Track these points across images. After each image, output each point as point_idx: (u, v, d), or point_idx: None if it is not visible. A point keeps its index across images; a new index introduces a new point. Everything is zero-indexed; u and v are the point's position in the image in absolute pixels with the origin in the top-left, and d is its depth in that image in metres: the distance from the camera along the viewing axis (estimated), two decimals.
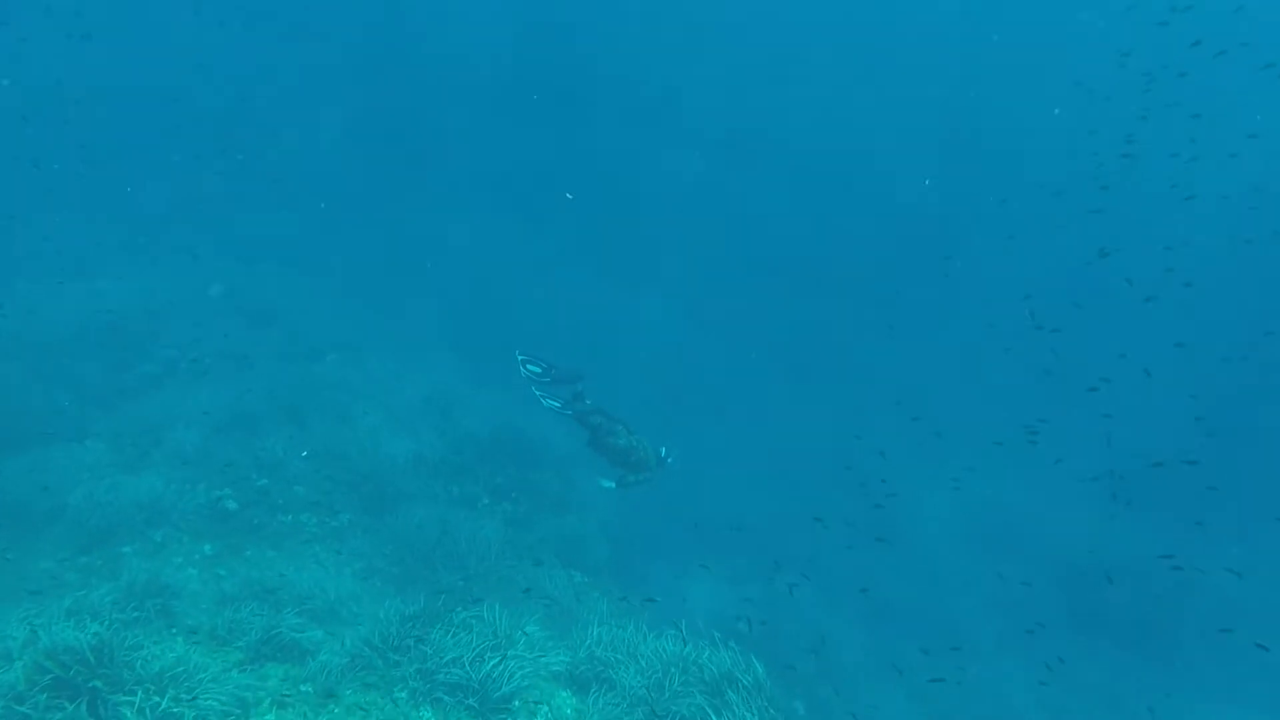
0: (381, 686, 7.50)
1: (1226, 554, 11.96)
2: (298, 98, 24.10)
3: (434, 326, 16.22)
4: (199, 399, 12.39)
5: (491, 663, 7.56)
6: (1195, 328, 17.06)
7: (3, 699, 6.07)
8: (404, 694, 7.41)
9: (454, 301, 17.16)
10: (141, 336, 13.84)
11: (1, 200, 15.95)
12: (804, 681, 10.52)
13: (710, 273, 20.55)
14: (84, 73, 20.99)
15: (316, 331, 15.11)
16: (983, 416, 15.77)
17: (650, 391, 14.87)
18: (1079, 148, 16.79)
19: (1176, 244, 15.66)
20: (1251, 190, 16.77)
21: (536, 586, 10.33)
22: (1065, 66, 25.83)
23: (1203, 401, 13.20)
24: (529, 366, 9.81)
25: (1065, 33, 27.58)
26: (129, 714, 6.12)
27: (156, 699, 6.32)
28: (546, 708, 7.61)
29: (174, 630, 7.84)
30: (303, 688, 7.33)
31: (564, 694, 7.94)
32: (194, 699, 6.49)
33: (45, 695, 6.13)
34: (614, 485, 9.22)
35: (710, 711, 7.71)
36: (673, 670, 8.22)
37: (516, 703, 7.48)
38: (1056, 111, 22.33)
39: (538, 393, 9.81)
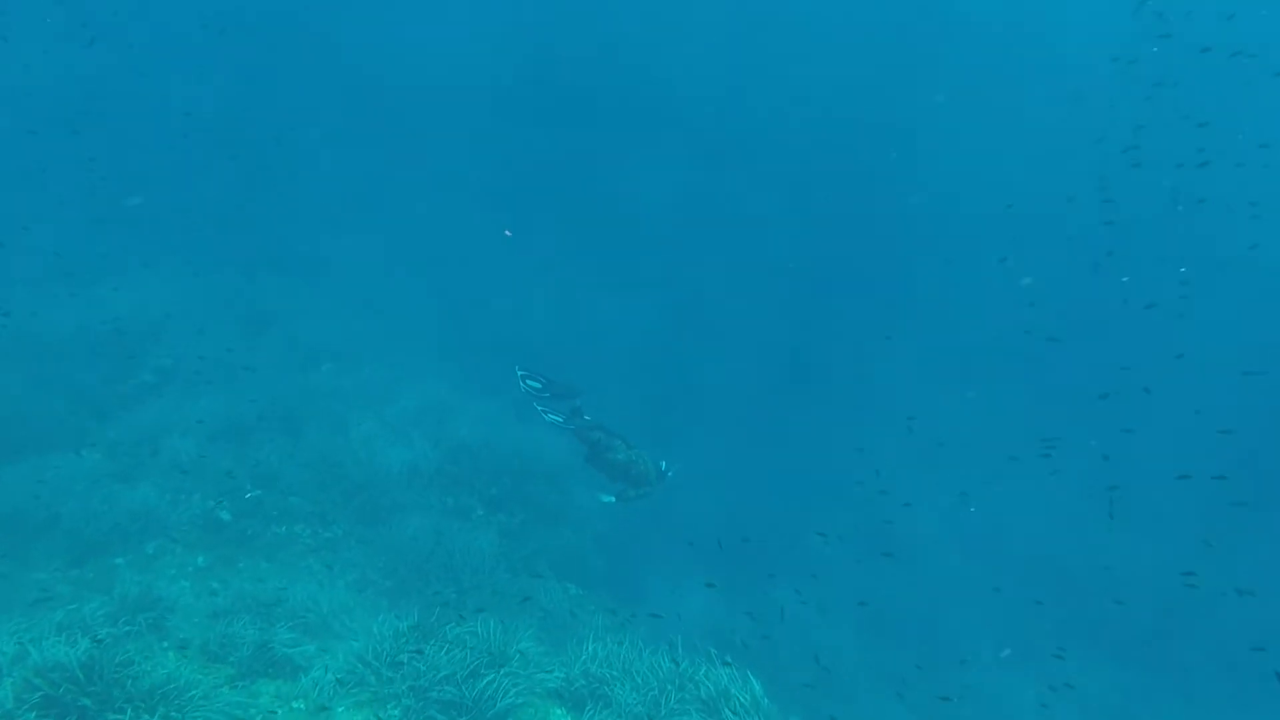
0: (374, 704, 7.46)
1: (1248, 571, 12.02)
2: (294, 104, 24.09)
3: (429, 335, 16.18)
4: (195, 408, 12.33)
5: (486, 679, 7.52)
6: (1213, 339, 17.07)
7: None
8: (397, 711, 7.37)
9: (449, 310, 17.13)
10: (139, 345, 13.78)
11: (4, 207, 15.95)
12: (802, 697, 10.46)
13: (705, 279, 20.52)
14: (88, 79, 21.05)
15: (312, 340, 15.07)
16: (985, 427, 15.68)
17: (645, 401, 14.85)
18: (1084, 155, 16.66)
19: (1191, 255, 15.72)
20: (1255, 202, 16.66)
21: (531, 600, 10.28)
22: (1066, 70, 25.91)
23: (1225, 415, 13.16)
24: (528, 382, 9.80)
25: (1065, 35, 27.46)
26: None
27: (146, 717, 6.28)
28: None
29: (165, 645, 7.79)
30: (294, 705, 7.30)
31: (559, 712, 7.90)
32: (183, 717, 6.44)
33: (34, 714, 6.09)
34: (614, 500, 9.19)
35: None
36: (669, 688, 8.17)
37: None
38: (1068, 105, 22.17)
39: (539, 408, 9.80)
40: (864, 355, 18.47)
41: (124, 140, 19.94)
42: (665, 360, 17.16)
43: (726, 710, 7.93)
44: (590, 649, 8.64)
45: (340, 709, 7.34)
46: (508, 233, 11.35)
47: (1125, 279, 15.03)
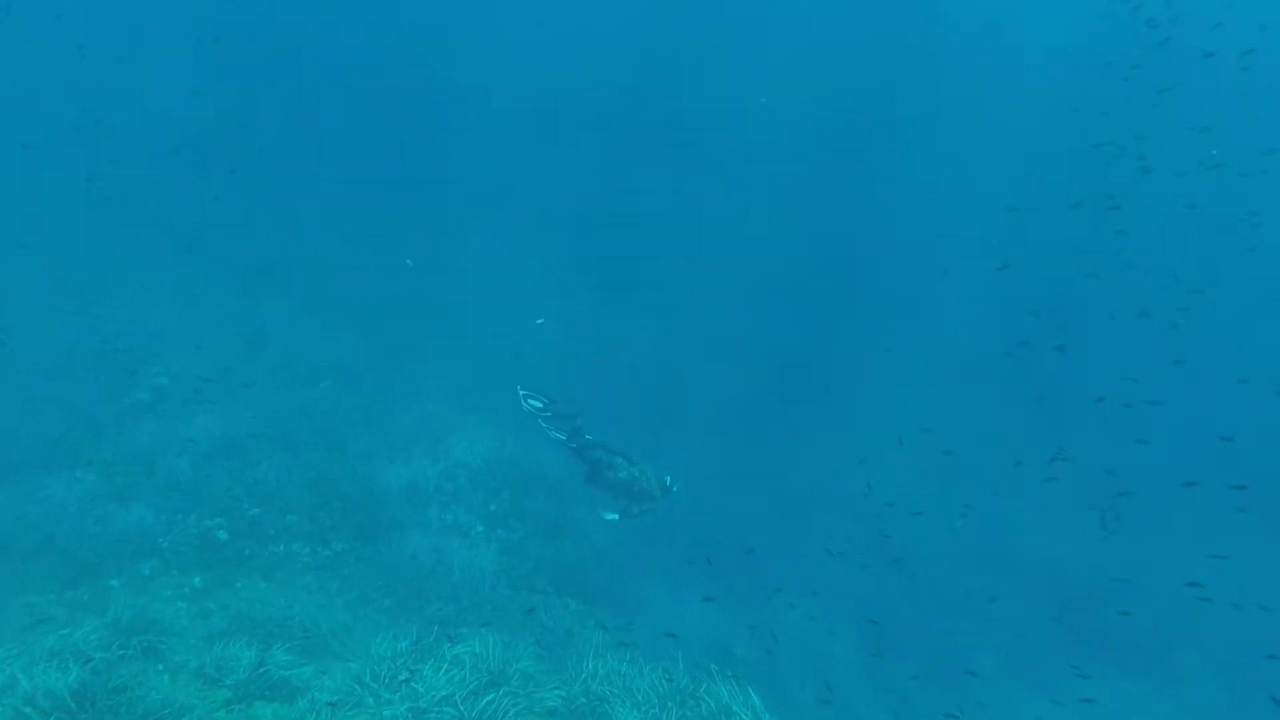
0: None
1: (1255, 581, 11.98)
2: (295, 120, 24.10)
3: (426, 352, 16.10)
4: (191, 427, 12.27)
5: (485, 699, 7.43)
6: (1210, 346, 16.99)
7: None
8: None
9: (445, 326, 17.07)
10: (135, 363, 13.71)
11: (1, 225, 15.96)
12: (803, 711, 10.37)
13: (704, 291, 20.48)
14: (84, 92, 21.04)
15: (310, 358, 15.01)
16: (988, 438, 15.60)
17: (645, 414, 14.77)
18: (1086, 160, 16.58)
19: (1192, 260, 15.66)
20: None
21: (531, 616, 10.20)
22: (1067, 73, 25.90)
23: (1225, 422, 13.13)
24: (530, 401, 9.78)
25: (1067, 38, 27.39)
26: None
27: None
28: None
29: (161, 668, 7.70)
30: None
31: None
32: None
33: None
34: (617, 517, 9.13)
35: None
36: (670, 704, 8.09)
37: None
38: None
39: (544, 425, 9.77)
40: (865, 366, 18.41)
41: (120, 154, 19.92)
42: (665, 373, 17.10)
43: None
44: (591, 666, 8.56)
45: None
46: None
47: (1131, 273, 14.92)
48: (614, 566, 12.20)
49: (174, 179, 19.79)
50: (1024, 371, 16.10)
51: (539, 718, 7.79)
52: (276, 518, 11.15)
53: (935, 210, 24.55)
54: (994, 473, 13.42)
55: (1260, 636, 10.73)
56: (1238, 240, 16.52)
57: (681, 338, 18.53)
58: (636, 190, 22.94)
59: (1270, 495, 10.61)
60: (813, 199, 24.63)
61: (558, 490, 12.86)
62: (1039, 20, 28.08)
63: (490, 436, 13.54)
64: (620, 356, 16.97)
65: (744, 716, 7.95)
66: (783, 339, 19.02)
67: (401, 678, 7.64)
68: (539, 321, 11.44)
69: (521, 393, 9.75)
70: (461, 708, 7.33)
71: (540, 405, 9.72)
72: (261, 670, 7.68)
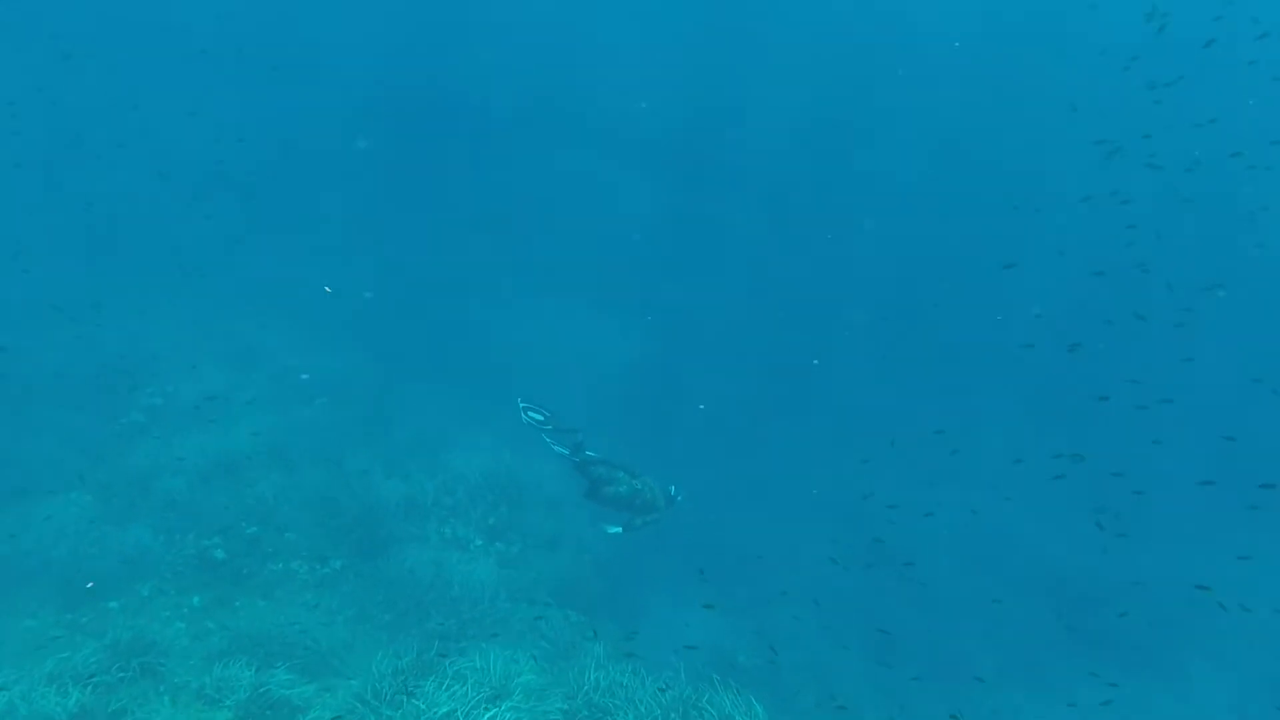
0: None
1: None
2: (285, 136, 24.11)
3: (421, 366, 16.09)
4: (187, 446, 12.24)
5: (487, 715, 7.41)
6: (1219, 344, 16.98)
7: None
8: None
9: (440, 340, 17.06)
10: (129, 384, 13.70)
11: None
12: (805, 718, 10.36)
13: (699, 296, 20.48)
14: (78, 110, 21.06)
15: (304, 373, 14.98)
16: (992, 439, 15.53)
17: (643, 422, 14.79)
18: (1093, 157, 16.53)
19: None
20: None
21: (531, 629, 10.18)
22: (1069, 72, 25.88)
23: (1234, 421, 13.14)
24: (530, 414, 9.78)
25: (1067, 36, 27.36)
26: None
27: None
28: None
29: (161, 690, 7.68)
30: None
31: None
32: None
33: None
34: (620, 530, 9.12)
35: None
36: (672, 715, 8.09)
37: None
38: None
39: (547, 439, 9.79)
40: (867, 368, 18.37)
41: (113, 173, 19.94)
42: (661, 381, 17.10)
43: None
44: (592, 678, 8.54)
45: None
46: (327, 289, 11.34)
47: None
48: (614, 577, 12.18)
49: (167, 198, 19.77)
50: (1030, 372, 16.10)
51: None
52: (274, 536, 11.11)
53: (937, 210, 24.47)
54: (998, 474, 13.34)
55: (1270, 638, 10.78)
56: (1245, 236, 16.50)
57: (677, 345, 18.52)
58: (634, 196, 22.95)
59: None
60: (811, 201, 24.61)
61: (556, 502, 12.85)
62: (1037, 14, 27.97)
63: (487, 450, 13.54)
64: (615, 365, 16.95)
65: None
66: (782, 343, 18.98)
67: (401, 696, 7.61)
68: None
69: (521, 405, 9.76)
70: None
71: (541, 418, 9.73)
72: (262, 690, 7.66)
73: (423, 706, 7.45)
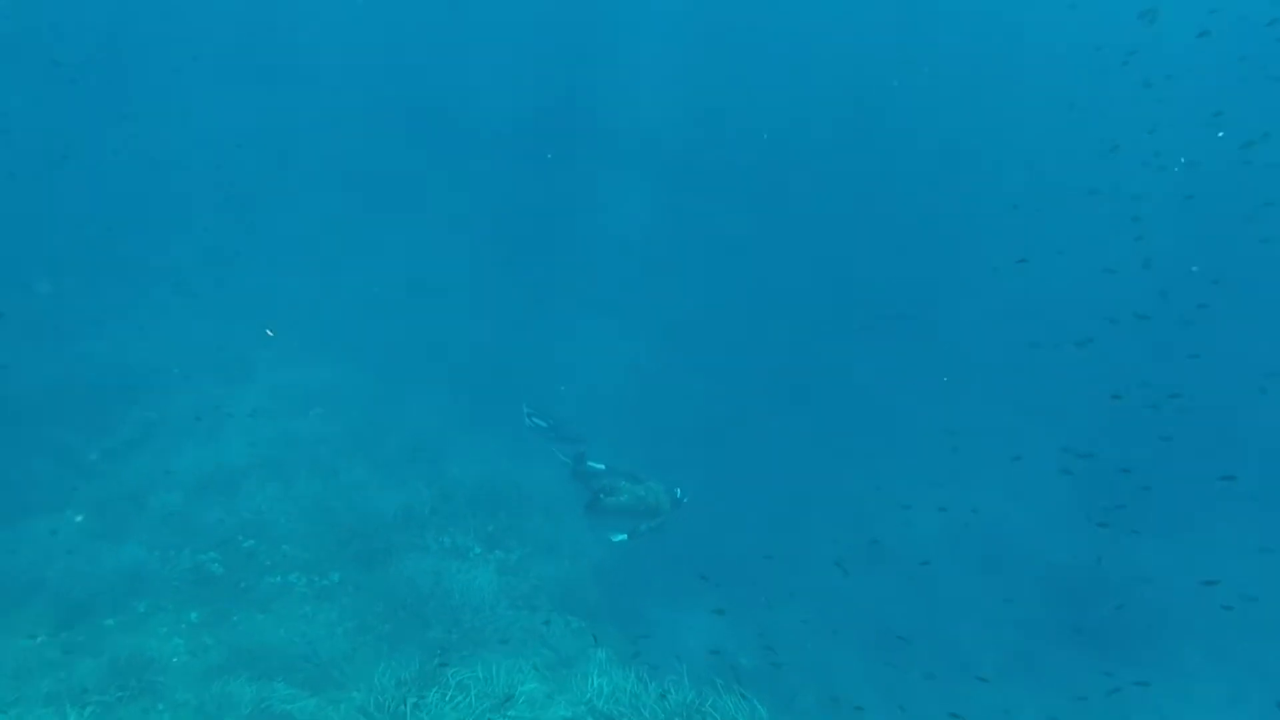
0: None
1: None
2: (281, 147, 24.00)
3: (417, 373, 16.03)
4: (181, 461, 12.18)
5: None
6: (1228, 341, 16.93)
7: None
8: None
9: (435, 346, 17.01)
10: (122, 399, 13.61)
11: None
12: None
13: (696, 296, 20.44)
14: (70, 122, 20.93)
15: (298, 386, 14.91)
16: (997, 436, 15.52)
17: (643, 426, 14.76)
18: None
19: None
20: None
21: (533, 636, 10.13)
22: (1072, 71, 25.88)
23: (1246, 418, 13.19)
24: (535, 419, 9.78)
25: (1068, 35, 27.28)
26: None
27: None
28: None
29: (161, 708, 7.61)
30: None
31: None
32: None
33: None
34: (626, 537, 9.10)
35: None
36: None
37: None
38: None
39: (553, 447, 9.79)
40: (870, 368, 18.35)
41: (104, 184, 19.87)
42: (659, 384, 17.09)
43: None
44: (595, 684, 8.52)
45: None
46: (269, 332, 11.39)
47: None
48: (614, 582, 12.13)
49: (159, 210, 19.68)
50: (1035, 369, 16.06)
51: None
52: (271, 549, 11.05)
53: (938, 209, 24.47)
54: (1000, 472, 13.32)
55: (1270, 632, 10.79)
56: (1250, 231, 16.49)
57: (676, 347, 18.50)
58: (621, 202, 22.91)
59: None
60: (810, 204, 24.58)
61: (554, 507, 12.78)
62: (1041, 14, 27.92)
63: (484, 456, 13.50)
64: (613, 369, 16.93)
65: None
66: (782, 344, 18.97)
67: (404, 708, 7.56)
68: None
69: (527, 411, 9.75)
70: None
71: (546, 425, 9.73)
72: (264, 705, 7.60)
73: (426, 718, 7.40)
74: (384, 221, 22.02)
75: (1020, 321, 15.33)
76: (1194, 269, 16.08)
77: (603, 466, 9.75)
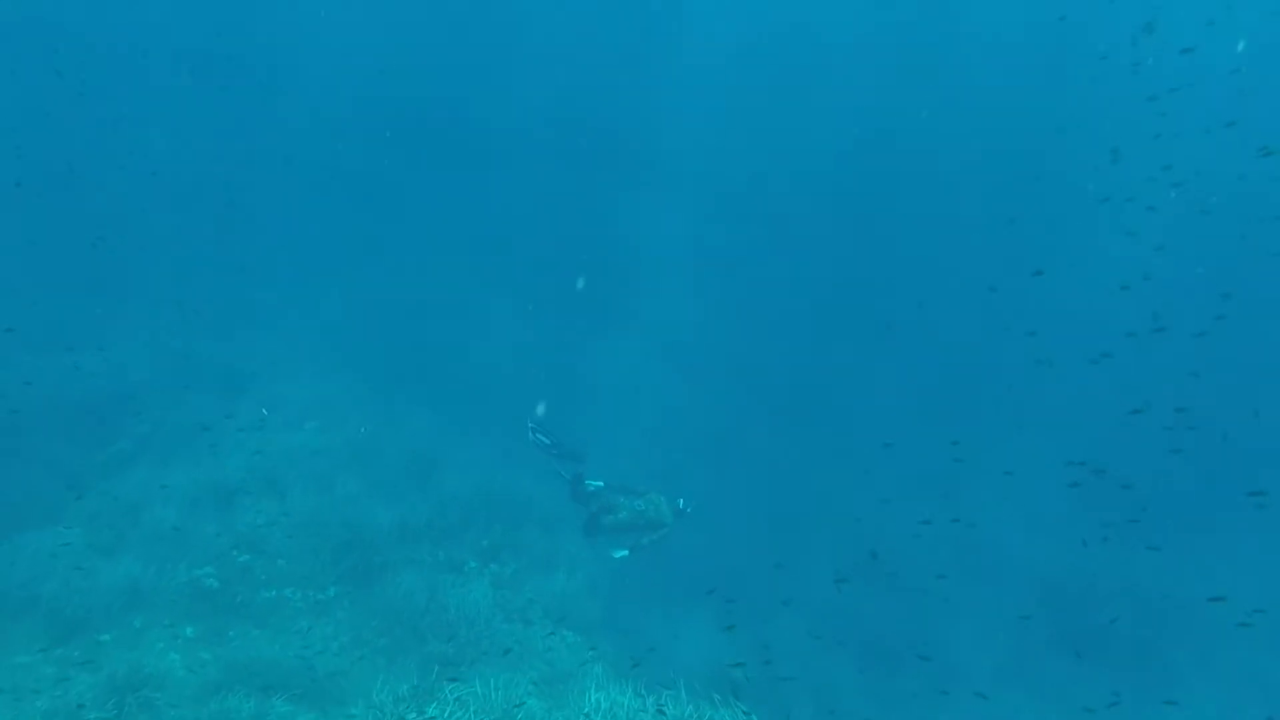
0: None
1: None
2: (269, 159, 24.01)
3: (411, 386, 16.05)
4: (176, 475, 12.13)
5: None
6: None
7: None
8: None
9: (429, 359, 17.04)
10: (116, 412, 13.58)
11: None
12: None
13: (696, 310, 20.51)
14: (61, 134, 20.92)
15: (293, 399, 14.90)
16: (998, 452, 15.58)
17: (642, 440, 14.81)
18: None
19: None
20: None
21: (530, 651, 10.15)
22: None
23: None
24: (538, 435, 9.82)
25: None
26: None
27: None
28: None
29: None
30: None
31: None
32: None
33: None
34: (627, 553, 9.12)
35: None
36: None
37: None
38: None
39: (555, 465, 9.83)
40: (868, 382, 18.42)
41: (94, 197, 19.83)
42: (659, 398, 17.15)
43: None
44: (593, 699, 8.53)
45: None
46: (265, 411, 11.64)
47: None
48: (608, 596, 12.17)
49: (150, 221, 19.64)
50: (1045, 383, 16.09)
51: None
52: (266, 563, 11.04)
53: (936, 222, 24.57)
54: (1003, 486, 13.36)
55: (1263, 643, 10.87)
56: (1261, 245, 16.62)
57: (676, 361, 18.57)
58: (625, 215, 23.02)
59: None
60: (810, 218, 24.69)
61: (550, 520, 12.83)
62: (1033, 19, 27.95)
63: (480, 469, 13.51)
64: (611, 384, 16.96)
65: None
66: (781, 357, 19.06)
67: None
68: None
69: (530, 426, 9.80)
70: None
71: (548, 442, 9.77)
72: None
73: None
74: (379, 233, 22.06)
75: (1030, 335, 15.43)
76: (1199, 270, 16.14)
77: (601, 484, 9.79)
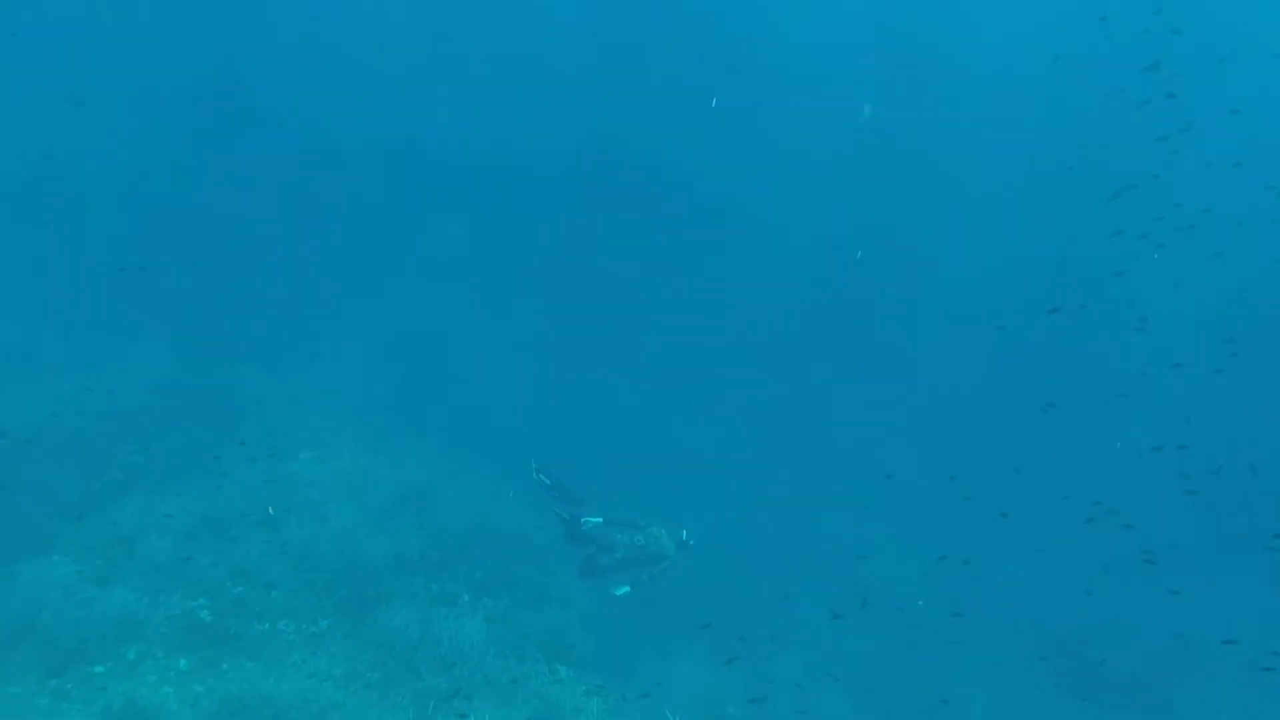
0: None
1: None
2: (270, 190, 24.16)
3: (406, 419, 16.13)
4: (170, 504, 12.14)
5: None
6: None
7: None
8: None
9: (424, 392, 17.14)
10: (110, 441, 13.59)
11: None
12: None
13: (685, 343, 20.71)
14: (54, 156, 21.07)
15: (288, 430, 14.95)
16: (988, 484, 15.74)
17: (635, 473, 14.94)
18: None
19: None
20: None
21: (523, 686, 10.18)
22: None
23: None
24: (541, 476, 9.93)
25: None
26: None
27: None
28: None
29: None
30: None
31: None
32: None
33: None
34: (629, 589, 9.18)
35: None
36: None
37: None
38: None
39: (556, 509, 9.94)
40: (868, 415, 18.60)
41: (89, 220, 19.95)
42: (652, 431, 17.29)
43: None
44: None
45: None
46: (270, 510, 11.93)
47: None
48: (602, 631, 12.20)
49: (146, 248, 19.75)
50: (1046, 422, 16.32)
51: None
52: (260, 595, 11.05)
53: (936, 251, 24.88)
54: (997, 523, 13.54)
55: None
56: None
57: (667, 394, 18.74)
58: (618, 246, 23.29)
59: None
60: (806, 245, 24.96)
61: (543, 554, 12.89)
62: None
63: (474, 502, 13.59)
64: (605, 416, 17.12)
65: None
66: (774, 387, 19.25)
67: None
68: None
69: (534, 466, 9.90)
70: None
71: (550, 483, 9.87)
72: None
73: None
74: (376, 267, 22.23)
75: (1035, 373, 15.64)
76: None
77: (600, 519, 9.90)
